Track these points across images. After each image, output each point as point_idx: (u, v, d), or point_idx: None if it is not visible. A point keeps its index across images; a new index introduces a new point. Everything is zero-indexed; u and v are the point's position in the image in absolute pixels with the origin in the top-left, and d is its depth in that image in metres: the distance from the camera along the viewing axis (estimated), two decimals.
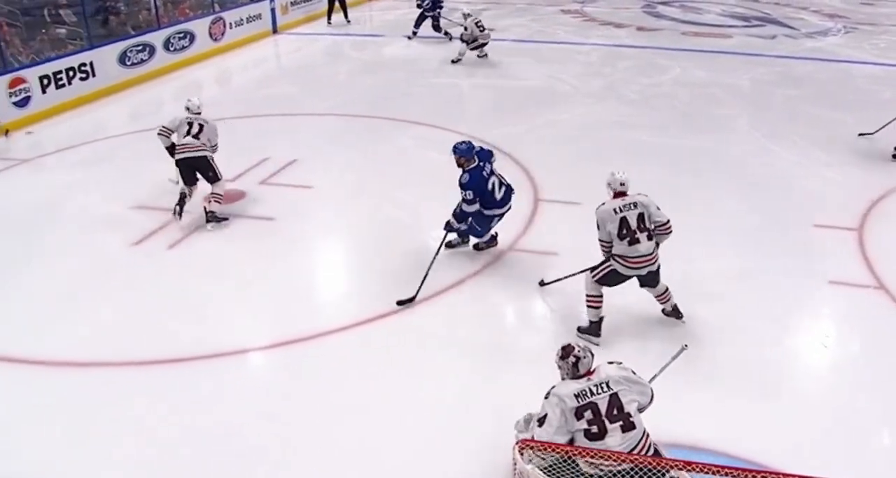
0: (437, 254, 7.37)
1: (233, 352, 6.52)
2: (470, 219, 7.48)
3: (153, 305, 7.21)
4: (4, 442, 5.52)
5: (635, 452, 4.29)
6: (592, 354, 4.59)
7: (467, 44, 15.08)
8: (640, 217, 6.21)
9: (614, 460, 4.06)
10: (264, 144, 11.02)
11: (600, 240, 6.39)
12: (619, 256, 6.27)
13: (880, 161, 10.34)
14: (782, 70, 15.30)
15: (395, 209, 9.03)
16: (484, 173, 7.33)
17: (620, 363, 4.66)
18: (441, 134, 11.19)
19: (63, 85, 13.02)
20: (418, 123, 11.72)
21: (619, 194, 6.31)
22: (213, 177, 8.62)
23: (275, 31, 18.47)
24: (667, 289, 6.59)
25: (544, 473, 4.09)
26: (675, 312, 6.68)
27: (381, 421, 5.64)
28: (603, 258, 6.43)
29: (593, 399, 4.38)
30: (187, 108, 8.79)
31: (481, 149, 7.56)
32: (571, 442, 4.33)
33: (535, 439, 4.39)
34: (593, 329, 6.49)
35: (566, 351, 4.58)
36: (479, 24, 15.07)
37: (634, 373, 4.60)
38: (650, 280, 6.46)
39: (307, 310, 7.13)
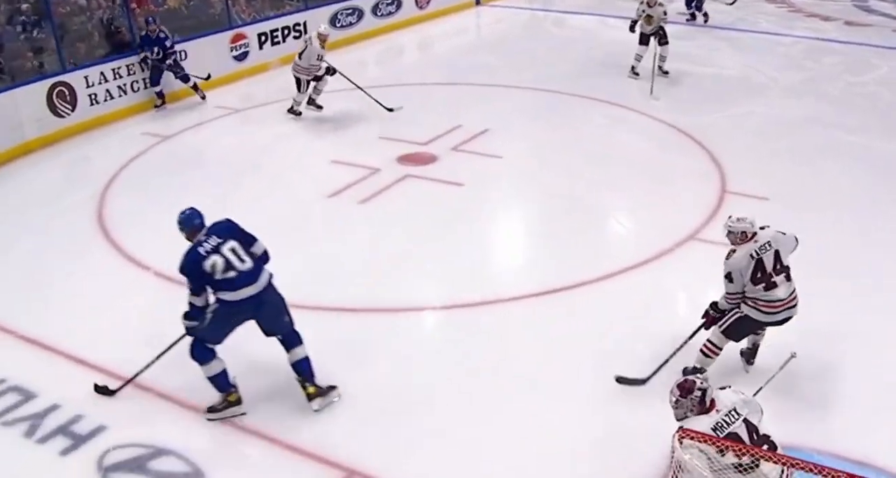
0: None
1: (407, 309, 6.85)
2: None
3: (339, 255, 7.67)
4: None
5: (785, 473, 3.85)
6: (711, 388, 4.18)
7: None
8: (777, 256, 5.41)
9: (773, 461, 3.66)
10: (458, 112, 11.31)
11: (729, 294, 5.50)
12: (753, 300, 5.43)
13: None
14: None
15: (578, 187, 9.11)
16: (201, 250, 5.29)
17: (729, 387, 4.31)
18: (632, 115, 11.14)
19: (278, 42, 13.88)
20: (612, 103, 11.68)
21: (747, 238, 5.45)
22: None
23: (478, 2, 18.74)
24: None
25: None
26: (751, 353, 5.84)
27: (547, 400, 5.69)
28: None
29: (732, 429, 4.00)
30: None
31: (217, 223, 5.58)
32: None
33: None
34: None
35: (686, 388, 4.12)
36: None
37: (744, 393, 4.28)
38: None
39: (484, 276, 7.37)
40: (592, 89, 12.15)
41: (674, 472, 3.68)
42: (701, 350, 5.61)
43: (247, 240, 5.51)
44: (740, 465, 3.76)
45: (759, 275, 5.32)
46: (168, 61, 11.60)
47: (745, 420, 4.07)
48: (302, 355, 5.58)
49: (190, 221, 5.44)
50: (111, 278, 7.40)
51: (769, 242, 5.41)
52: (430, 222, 8.28)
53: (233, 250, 5.34)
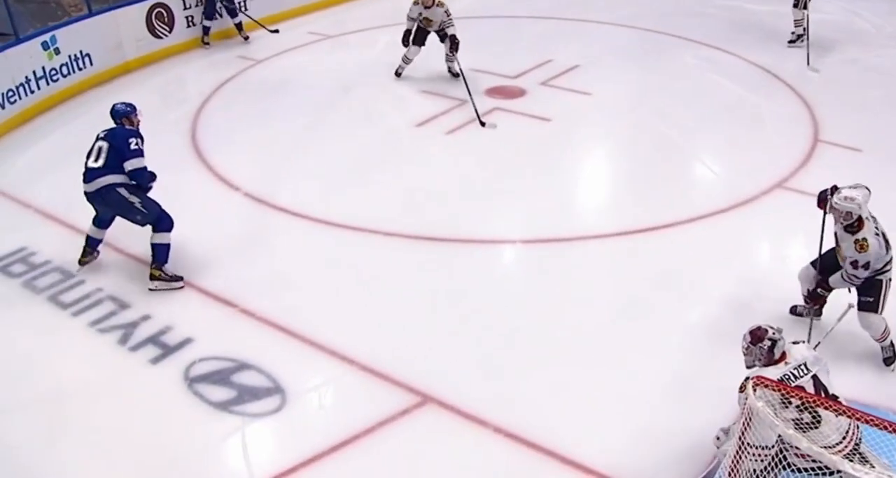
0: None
1: (489, 241, 6.87)
2: None
3: (424, 185, 7.74)
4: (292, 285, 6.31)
5: (848, 436, 3.86)
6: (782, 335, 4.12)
7: None
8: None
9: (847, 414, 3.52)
10: (549, 47, 11.13)
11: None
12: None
13: None
14: None
15: (667, 128, 8.92)
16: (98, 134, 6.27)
17: (803, 342, 4.26)
18: (725, 57, 10.78)
19: None
20: (704, 43, 11.29)
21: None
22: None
23: None
24: None
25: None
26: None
27: (626, 339, 5.72)
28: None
29: (799, 384, 3.95)
30: None
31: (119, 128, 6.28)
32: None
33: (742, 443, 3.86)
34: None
35: (758, 335, 4.09)
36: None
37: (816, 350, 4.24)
38: None
39: (568, 212, 7.35)
40: (686, 29, 11.77)
41: (746, 418, 3.64)
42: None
43: (122, 152, 6.06)
44: (800, 420, 3.75)
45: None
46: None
47: (814, 377, 4.02)
48: (157, 241, 6.25)
49: (115, 113, 6.31)
50: (204, 197, 7.62)
51: None
52: (516, 156, 8.25)
53: (99, 149, 6.08)
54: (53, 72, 9.55)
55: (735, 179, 7.82)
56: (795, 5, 10.70)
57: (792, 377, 3.98)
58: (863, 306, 5.21)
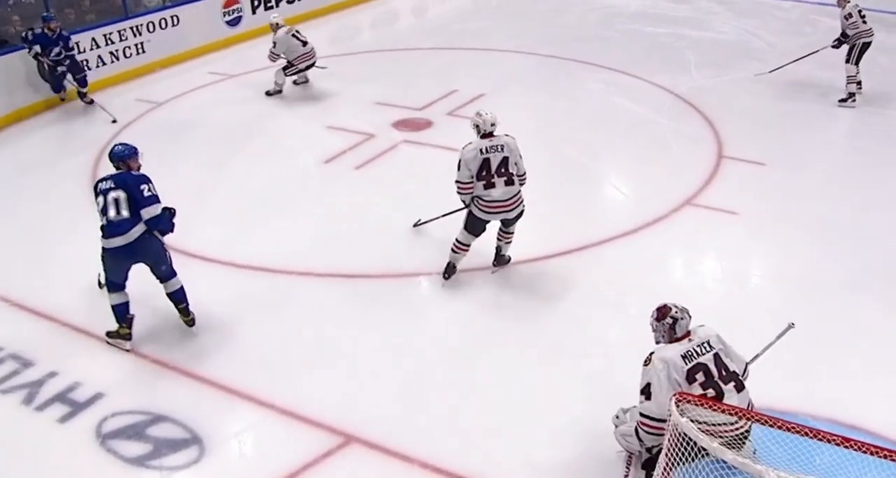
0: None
1: (404, 274, 6.85)
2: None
3: (335, 221, 7.68)
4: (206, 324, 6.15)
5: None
6: (690, 316, 4.33)
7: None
8: (505, 161, 6.18)
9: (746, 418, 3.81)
10: (454, 77, 11.26)
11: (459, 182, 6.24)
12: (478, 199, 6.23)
13: None
14: None
15: (575, 151, 9.08)
16: (98, 186, 5.78)
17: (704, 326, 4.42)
18: (628, 79, 11.09)
19: (271, 6, 13.74)
20: (607, 67, 11.60)
21: (487, 135, 6.21)
22: None
23: None
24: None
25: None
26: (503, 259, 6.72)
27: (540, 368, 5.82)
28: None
29: (701, 360, 4.14)
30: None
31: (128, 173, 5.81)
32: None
33: (642, 413, 4.23)
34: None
35: (662, 312, 4.32)
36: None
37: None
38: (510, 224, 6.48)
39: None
40: (588, 54, 12.09)
41: (671, 433, 3.72)
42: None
43: (138, 199, 5.60)
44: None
45: (483, 172, 6.12)
46: (66, 63, 10.22)
47: (716, 355, 4.20)
48: (177, 285, 5.98)
49: (111, 156, 5.88)
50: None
51: (501, 145, 6.22)
52: (425, 188, 8.25)
53: (116, 200, 5.57)
54: None
55: (645, 198, 7.99)
56: (847, 60, 10.10)
57: (694, 354, 4.16)
58: None
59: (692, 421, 3.61)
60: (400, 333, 6.09)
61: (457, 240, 6.47)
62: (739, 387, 4.17)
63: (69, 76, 10.29)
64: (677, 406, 3.67)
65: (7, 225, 7.89)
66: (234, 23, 13.20)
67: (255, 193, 8.20)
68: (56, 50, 9.95)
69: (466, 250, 6.50)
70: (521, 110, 10.15)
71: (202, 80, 11.57)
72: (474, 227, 6.40)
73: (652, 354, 4.26)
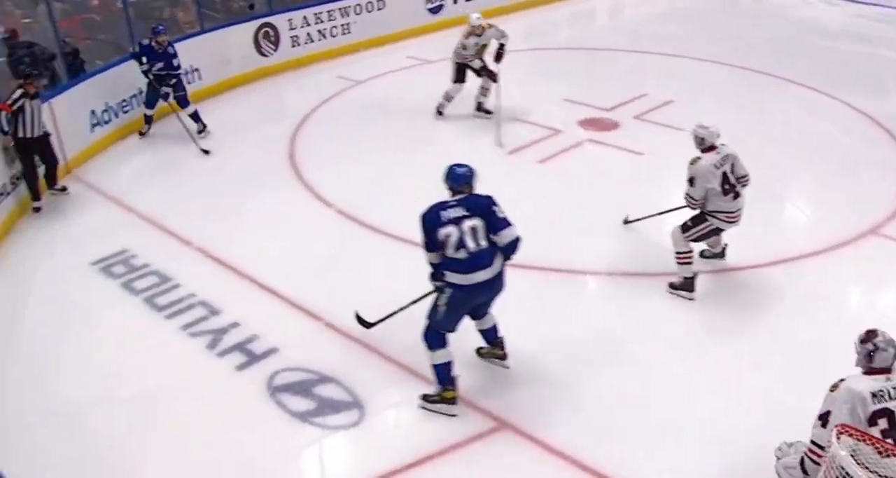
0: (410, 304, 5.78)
1: (576, 271, 6.85)
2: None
3: (514, 212, 7.66)
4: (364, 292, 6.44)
5: None
6: None
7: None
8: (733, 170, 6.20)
9: None
10: (644, 81, 11.11)
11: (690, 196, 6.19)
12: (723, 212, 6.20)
13: None
14: None
15: (759, 168, 8.71)
16: (442, 214, 4.99)
17: None
18: (822, 99, 10.60)
19: None
20: (802, 84, 11.10)
21: (710, 148, 6.19)
22: None
23: None
24: None
25: None
26: (721, 253, 6.81)
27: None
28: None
29: (891, 405, 3.72)
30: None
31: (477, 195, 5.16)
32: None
33: (814, 441, 3.90)
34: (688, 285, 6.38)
35: (868, 335, 3.93)
36: None
37: None
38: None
39: (654, 247, 7.26)
40: (782, 68, 11.60)
41: (827, 465, 3.54)
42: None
43: (494, 224, 4.99)
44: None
45: (726, 185, 6.13)
46: (171, 82, 9.46)
47: None
48: (495, 321, 5.49)
49: (455, 178, 5.13)
50: (297, 210, 7.86)
51: (727, 155, 6.20)
52: (606, 188, 8.24)
53: (473, 229, 4.93)
54: None
55: (826, 222, 7.63)
56: None
57: (887, 395, 3.77)
58: None
59: (861, 465, 3.34)
60: (568, 330, 6.11)
61: (681, 252, 6.39)
62: None
63: (170, 95, 9.47)
64: (838, 439, 3.42)
65: (213, 180, 8.55)
66: (436, 10, 13.61)
67: (436, 177, 8.35)
68: (159, 65, 9.28)
69: (692, 257, 6.43)
70: (709, 120, 9.83)
71: (400, 63, 12.00)
72: (707, 237, 6.43)
73: (842, 380, 3.89)
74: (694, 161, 6.14)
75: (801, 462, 4.10)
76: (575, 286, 6.78)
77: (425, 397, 5.27)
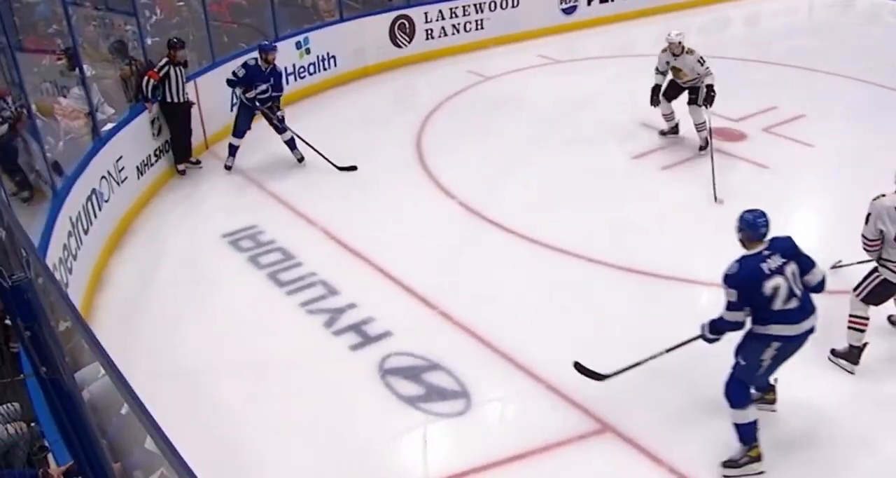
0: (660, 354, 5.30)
1: (692, 281, 6.70)
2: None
3: (635, 218, 7.71)
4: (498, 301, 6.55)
5: None
6: None
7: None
8: None
9: None
10: (775, 93, 10.78)
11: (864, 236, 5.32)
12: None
13: None
14: None
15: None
16: (763, 267, 4.54)
17: None
18: None
19: (606, 1, 13.96)
20: None
21: None
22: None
23: None
24: None
25: None
26: None
27: None
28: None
29: None
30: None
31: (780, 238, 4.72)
32: None
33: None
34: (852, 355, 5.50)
35: None
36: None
37: None
38: None
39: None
40: None
41: None
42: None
43: (804, 265, 4.65)
44: None
45: None
46: (271, 105, 8.51)
47: None
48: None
49: (754, 226, 4.63)
50: (421, 200, 8.05)
51: None
52: (728, 201, 8.09)
53: (794, 275, 4.57)
54: (302, 69, 10.39)
55: None
56: None
57: None
58: None
59: None
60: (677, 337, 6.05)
61: (855, 315, 5.47)
62: None
63: (284, 117, 8.63)
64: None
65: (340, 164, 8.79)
66: (569, 11, 13.57)
67: (559, 176, 8.50)
68: (263, 87, 8.32)
69: (867, 325, 5.45)
70: (840, 138, 9.53)
71: (530, 61, 12.05)
72: (879, 296, 5.45)
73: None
74: (877, 197, 5.37)
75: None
76: (701, 295, 6.69)
77: (730, 464, 4.77)
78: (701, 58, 8.67)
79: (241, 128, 8.55)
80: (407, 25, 11.69)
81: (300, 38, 10.35)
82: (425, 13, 11.83)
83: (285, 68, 9.59)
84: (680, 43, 8.63)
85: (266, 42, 8.69)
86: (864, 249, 5.40)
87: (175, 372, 5.70)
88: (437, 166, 8.62)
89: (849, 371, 5.53)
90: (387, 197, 8.00)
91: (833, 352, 5.59)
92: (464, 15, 12.27)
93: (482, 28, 12.46)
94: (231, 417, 5.33)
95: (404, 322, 6.16)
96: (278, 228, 7.42)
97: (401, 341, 5.93)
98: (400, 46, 11.71)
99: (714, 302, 6.57)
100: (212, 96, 9.01)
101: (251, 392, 5.53)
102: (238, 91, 8.45)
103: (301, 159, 8.68)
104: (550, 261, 6.99)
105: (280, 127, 8.60)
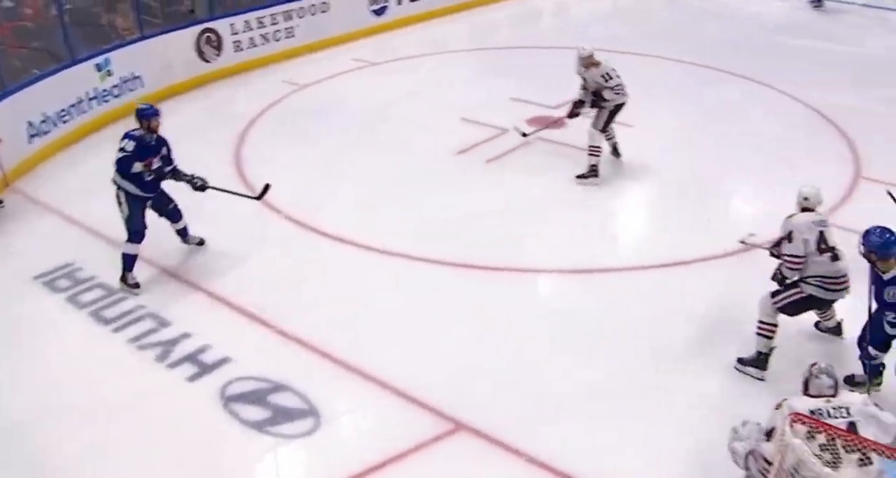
0: None
1: (526, 269, 6.90)
2: None
3: (461, 212, 7.75)
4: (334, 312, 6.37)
5: None
6: (835, 380, 4.20)
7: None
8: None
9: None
10: None
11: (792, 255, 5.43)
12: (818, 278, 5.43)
13: None
14: None
15: (707, 163, 8.90)
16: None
17: (866, 395, 4.28)
18: (770, 93, 10.76)
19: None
20: (748, 78, 11.27)
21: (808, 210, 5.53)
22: None
23: None
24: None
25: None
26: (836, 329, 5.89)
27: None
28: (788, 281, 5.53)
29: (828, 421, 3.94)
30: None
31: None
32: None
33: (762, 454, 4.12)
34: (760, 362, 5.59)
35: (810, 367, 4.28)
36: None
37: (881, 409, 4.13)
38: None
39: (601, 244, 7.40)
40: (729, 64, 11.76)
41: (781, 454, 3.66)
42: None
43: None
44: (820, 457, 3.78)
45: (823, 245, 5.38)
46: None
47: (852, 424, 4.01)
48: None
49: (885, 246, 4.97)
50: (246, 218, 7.67)
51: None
52: (554, 186, 8.28)
53: None
54: (105, 93, 9.80)
55: (773, 215, 7.72)
56: None
57: (825, 413, 4.01)
58: None
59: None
60: (521, 330, 6.15)
61: (764, 322, 5.55)
62: (864, 462, 3.84)
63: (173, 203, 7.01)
64: (791, 426, 3.61)
65: None
66: (380, 12, 13.54)
67: (387, 179, 8.43)
68: (156, 161, 6.69)
69: (775, 332, 5.56)
70: (658, 118, 9.97)
71: (345, 66, 11.90)
72: (799, 309, 5.57)
73: (785, 400, 4.15)
74: (790, 216, 5.55)
75: (746, 458, 4.30)
76: (538, 283, 6.80)
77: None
78: (607, 73, 8.32)
79: (136, 228, 6.65)
80: (214, 38, 11.28)
81: (100, 59, 9.74)
82: (231, 25, 11.45)
83: (87, 93, 9.05)
84: (587, 56, 8.36)
85: (143, 105, 6.95)
86: (791, 268, 5.43)
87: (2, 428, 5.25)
88: (258, 181, 8.29)
89: (759, 378, 5.54)
90: (210, 217, 7.65)
91: (740, 361, 5.64)
92: (272, 24, 11.96)
93: (293, 36, 12.19)
94: (65, 463, 4.96)
95: (242, 346, 5.92)
96: (97, 264, 6.93)
97: (241, 366, 5.69)
98: (208, 61, 11.27)
99: (552, 288, 6.83)
100: (5, 130, 8.33)
101: (85, 439, 5.13)
102: (136, 170, 6.50)
103: (201, 243, 7.25)
104: (384, 264, 6.94)
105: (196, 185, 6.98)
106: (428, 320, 6.23)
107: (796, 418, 3.67)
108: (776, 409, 4.15)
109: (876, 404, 4.15)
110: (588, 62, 8.35)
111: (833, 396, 4.15)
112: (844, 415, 4.04)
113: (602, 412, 5.30)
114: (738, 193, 8.49)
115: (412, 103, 10.45)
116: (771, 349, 5.54)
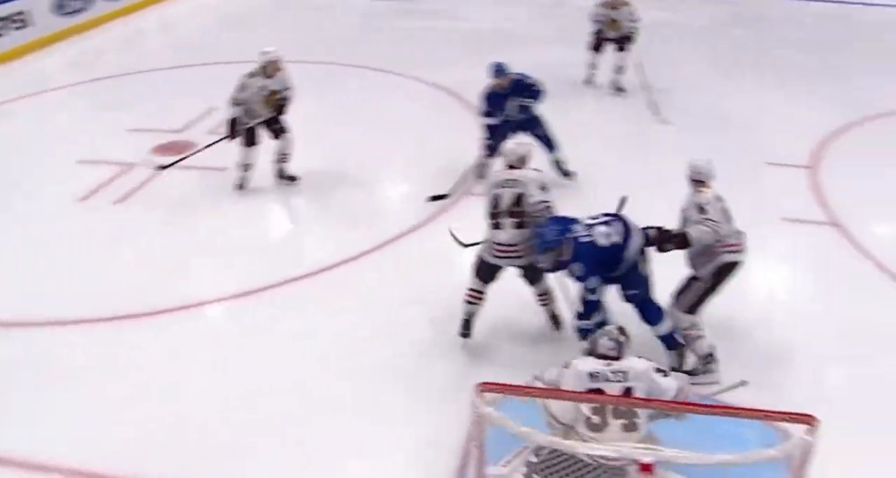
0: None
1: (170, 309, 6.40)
2: None
3: (91, 262, 7.06)
4: None
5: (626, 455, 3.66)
6: (620, 343, 4.25)
7: None
8: (519, 199, 5.43)
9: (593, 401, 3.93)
10: (211, 93, 10.59)
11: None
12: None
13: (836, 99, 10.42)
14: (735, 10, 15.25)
15: (350, 157, 8.89)
16: None
17: (651, 361, 4.26)
18: (403, 81, 11.12)
19: None
20: (380, 69, 11.51)
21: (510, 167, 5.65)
22: None
23: None
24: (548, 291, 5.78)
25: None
26: (553, 320, 5.88)
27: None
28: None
29: (604, 386, 4.06)
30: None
31: None
32: (571, 427, 4.01)
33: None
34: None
35: (604, 327, 4.49)
36: None
37: (665, 375, 4.20)
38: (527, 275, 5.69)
39: (267, 259, 7.08)
40: (356, 57, 11.92)
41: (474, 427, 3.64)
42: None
43: None
44: (589, 419, 3.98)
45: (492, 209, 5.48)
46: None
47: (628, 389, 4.08)
48: None
49: None
50: None
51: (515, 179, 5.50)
52: (197, 213, 7.80)
53: None
54: None
55: (413, 201, 7.89)
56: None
57: (602, 377, 4.10)
58: None
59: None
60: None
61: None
62: (629, 427, 3.94)
63: None
64: (482, 396, 3.50)
65: None
66: None
67: (4, 243, 7.37)
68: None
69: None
70: (294, 119, 9.69)
71: None
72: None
73: (575, 360, 4.24)
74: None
75: None
76: (173, 325, 6.28)
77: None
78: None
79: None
80: None
81: None
82: None
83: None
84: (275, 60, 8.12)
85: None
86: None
87: None
88: None
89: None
90: None
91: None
92: None
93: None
94: None
95: None
96: None
97: None
98: None
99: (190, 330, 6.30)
100: None
101: None
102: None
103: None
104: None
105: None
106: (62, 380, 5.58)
107: (485, 387, 3.55)
108: (564, 368, 4.20)
109: (662, 370, 4.22)
110: (274, 68, 8.09)
111: (616, 359, 4.20)
112: (621, 379, 4.09)
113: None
114: (387, 177, 8.66)
115: (15, 151, 9.25)
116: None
